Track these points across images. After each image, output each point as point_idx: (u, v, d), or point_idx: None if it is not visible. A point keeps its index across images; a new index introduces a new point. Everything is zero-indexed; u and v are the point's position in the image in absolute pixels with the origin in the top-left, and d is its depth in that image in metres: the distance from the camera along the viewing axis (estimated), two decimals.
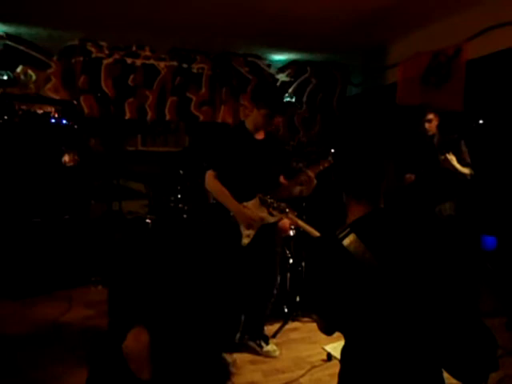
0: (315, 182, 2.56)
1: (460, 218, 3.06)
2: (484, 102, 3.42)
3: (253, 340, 2.83)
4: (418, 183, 3.11)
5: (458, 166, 2.86)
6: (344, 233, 1.23)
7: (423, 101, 4.08)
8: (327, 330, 1.34)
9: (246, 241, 2.57)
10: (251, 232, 2.57)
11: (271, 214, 2.56)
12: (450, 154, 2.82)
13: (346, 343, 1.30)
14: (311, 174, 2.55)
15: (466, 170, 2.92)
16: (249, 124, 2.59)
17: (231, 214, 2.56)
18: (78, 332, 3.11)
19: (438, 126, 3.13)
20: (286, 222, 3.37)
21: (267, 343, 2.80)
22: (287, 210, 2.36)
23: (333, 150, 2.65)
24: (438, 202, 3.02)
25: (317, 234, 2.21)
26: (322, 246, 1.31)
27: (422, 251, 1.21)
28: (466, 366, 1.10)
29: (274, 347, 2.79)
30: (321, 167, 2.61)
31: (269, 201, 2.35)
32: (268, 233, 2.63)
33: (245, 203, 2.56)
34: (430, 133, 3.12)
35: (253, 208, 2.56)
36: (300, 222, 2.21)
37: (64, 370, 2.59)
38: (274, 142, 2.69)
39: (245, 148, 2.56)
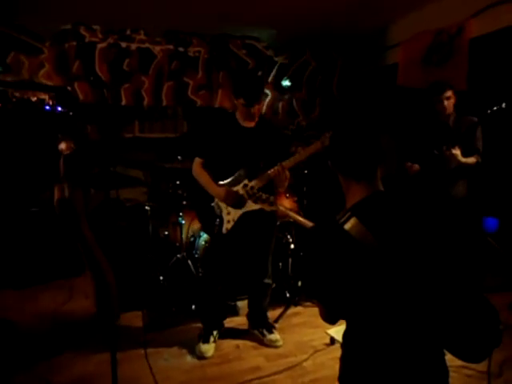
0: (288, 174, 2.51)
1: (471, 199, 2.98)
2: (488, 81, 3.34)
3: (256, 328, 2.83)
4: (426, 170, 3.00)
5: (462, 159, 2.76)
6: (345, 217, 1.20)
7: (424, 80, 4.00)
8: (330, 318, 1.32)
9: (227, 226, 2.58)
10: (232, 218, 2.58)
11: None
12: (456, 148, 2.71)
13: (347, 328, 1.28)
14: (278, 167, 2.48)
15: (471, 160, 2.82)
16: (237, 114, 2.61)
17: (212, 204, 2.60)
18: (78, 321, 3.11)
19: (455, 106, 2.95)
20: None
21: (270, 332, 2.79)
22: (276, 203, 2.32)
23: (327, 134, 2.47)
24: (450, 184, 2.94)
25: (310, 224, 2.17)
26: (322, 231, 1.28)
27: (424, 232, 1.19)
28: (468, 342, 1.10)
29: (277, 337, 2.77)
30: (298, 157, 2.52)
31: (257, 194, 2.32)
32: (253, 220, 2.61)
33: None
34: (447, 112, 2.92)
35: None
36: (291, 214, 2.17)
37: (66, 359, 2.59)
38: (265, 129, 2.64)
39: (231, 136, 2.56)
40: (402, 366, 1.18)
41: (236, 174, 2.57)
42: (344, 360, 1.31)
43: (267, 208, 2.41)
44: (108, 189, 4.03)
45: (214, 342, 2.71)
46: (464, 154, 2.78)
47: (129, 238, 3.69)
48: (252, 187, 2.50)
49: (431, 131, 3.02)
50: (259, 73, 4.79)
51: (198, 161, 2.63)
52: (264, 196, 2.31)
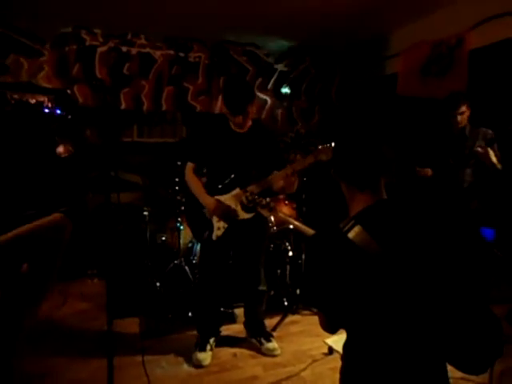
0: (293, 179, 2.43)
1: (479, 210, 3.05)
2: (488, 92, 3.37)
3: (254, 337, 2.80)
4: (440, 180, 3.04)
5: (494, 159, 2.78)
6: (349, 225, 1.19)
7: (424, 91, 4.03)
8: (331, 327, 1.30)
9: (218, 233, 2.56)
10: (222, 225, 2.55)
11: (248, 211, 2.49)
12: (489, 148, 2.76)
13: (347, 339, 1.27)
14: (289, 170, 2.41)
15: (500, 165, 2.84)
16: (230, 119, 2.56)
17: (203, 210, 2.57)
18: (74, 325, 3.07)
19: (469, 118, 3.02)
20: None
21: (268, 340, 2.75)
22: (276, 209, 2.28)
23: (329, 145, 2.40)
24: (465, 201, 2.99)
25: (310, 231, 2.13)
26: (326, 239, 1.27)
27: (429, 241, 1.18)
28: (471, 354, 1.08)
29: (275, 345, 2.73)
30: (306, 163, 2.43)
31: (257, 199, 2.30)
32: (245, 228, 2.58)
33: (217, 197, 2.54)
34: (460, 126, 2.99)
35: (226, 202, 2.54)
36: (291, 220, 2.14)
37: (61, 363, 2.55)
38: (258, 134, 2.58)
39: (221, 140, 2.53)
40: (403, 377, 1.17)
41: (228, 180, 2.54)
42: (344, 372, 1.30)
43: (266, 214, 2.37)
44: (107, 193, 4.03)
45: (211, 350, 2.68)
46: (480, 168, 2.83)
47: (126, 243, 3.66)
48: (252, 192, 2.48)
49: (446, 141, 3.07)
50: (259, 79, 4.81)
51: (190, 165, 2.62)
52: (264, 201, 2.28)
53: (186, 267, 3.37)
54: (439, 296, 1.10)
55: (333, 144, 2.37)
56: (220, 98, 4.70)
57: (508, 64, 3.22)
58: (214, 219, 2.56)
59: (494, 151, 2.84)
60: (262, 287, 2.77)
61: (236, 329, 3.00)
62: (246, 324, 2.86)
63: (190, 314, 3.12)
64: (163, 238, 3.73)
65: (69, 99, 3.96)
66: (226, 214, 2.52)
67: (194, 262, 3.44)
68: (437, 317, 1.09)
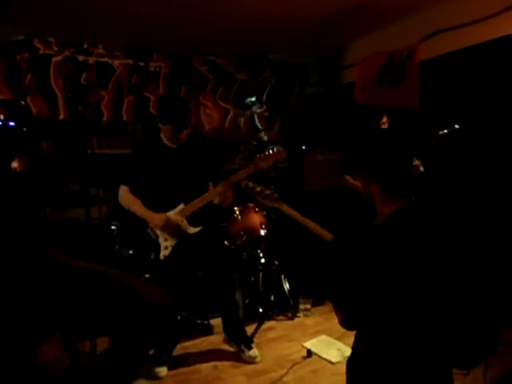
0: (229, 194, 2.50)
1: None
2: (439, 102, 3.62)
3: (234, 342, 2.79)
4: None
5: (422, 168, 2.92)
6: (385, 223, 1.26)
7: (379, 100, 4.25)
8: (349, 324, 1.31)
9: (165, 253, 2.51)
10: (169, 244, 2.52)
11: (195, 225, 2.48)
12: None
13: (355, 351, 1.34)
14: (222, 187, 2.46)
15: (422, 168, 2.99)
16: (162, 136, 2.55)
17: (147, 230, 2.52)
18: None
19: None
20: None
21: (249, 348, 2.75)
22: (279, 199, 2.20)
23: (267, 153, 2.42)
24: None
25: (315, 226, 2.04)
26: (366, 235, 1.27)
27: (460, 243, 1.25)
28: (474, 353, 1.14)
29: (256, 352, 2.74)
30: (246, 173, 2.44)
31: (257, 188, 2.19)
32: (195, 241, 2.57)
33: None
34: None
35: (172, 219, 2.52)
36: (294, 213, 2.00)
37: None
38: (192, 146, 2.57)
39: (156, 159, 2.50)
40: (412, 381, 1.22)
41: (169, 197, 2.50)
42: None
43: (270, 204, 2.25)
44: (66, 208, 3.85)
45: (167, 361, 2.65)
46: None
47: (92, 259, 3.50)
48: (247, 183, 2.40)
49: None
50: (220, 88, 4.82)
51: (124, 188, 2.55)
52: (267, 191, 2.12)
53: None
54: (462, 295, 1.15)
55: (270, 152, 2.45)
56: None
57: (455, 75, 3.49)
58: (161, 239, 2.50)
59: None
60: (238, 296, 2.73)
61: (213, 340, 2.98)
62: (225, 329, 2.81)
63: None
64: (130, 252, 3.61)
65: (23, 111, 3.74)
66: (177, 230, 2.47)
67: None
68: (450, 319, 1.13)
